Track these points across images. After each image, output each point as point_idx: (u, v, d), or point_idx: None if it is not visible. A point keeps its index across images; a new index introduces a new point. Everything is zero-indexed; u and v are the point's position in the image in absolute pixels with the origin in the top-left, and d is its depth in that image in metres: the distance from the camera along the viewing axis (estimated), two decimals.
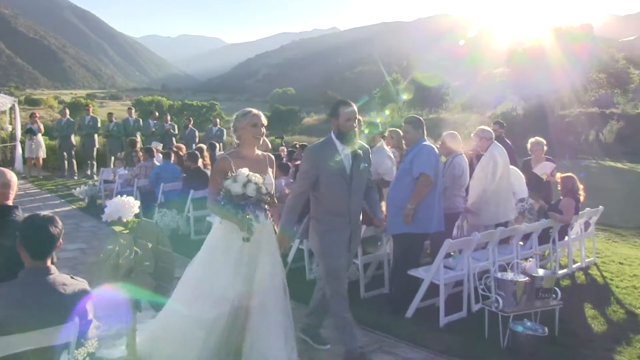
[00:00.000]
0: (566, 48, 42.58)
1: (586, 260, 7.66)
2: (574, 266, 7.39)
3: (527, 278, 4.91)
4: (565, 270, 7.16)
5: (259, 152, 4.17)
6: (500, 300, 4.78)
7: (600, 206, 7.97)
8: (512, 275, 4.95)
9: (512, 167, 7.29)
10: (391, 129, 8.20)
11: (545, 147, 8.13)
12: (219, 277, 3.88)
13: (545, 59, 42.68)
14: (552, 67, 41.27)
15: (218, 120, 18.35)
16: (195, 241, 8.48)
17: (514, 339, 4.68)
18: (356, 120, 4.37)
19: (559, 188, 7.29)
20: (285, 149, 13.40)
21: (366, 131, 6.98)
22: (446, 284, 5.45)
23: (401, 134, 7.42)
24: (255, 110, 4.13)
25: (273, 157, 4.36)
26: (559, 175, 7.39)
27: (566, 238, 7.23)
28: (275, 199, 4.14)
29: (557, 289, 5.09)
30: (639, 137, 37.55)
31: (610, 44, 55.59)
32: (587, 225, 7.89)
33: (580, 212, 7.31)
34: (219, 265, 3.95)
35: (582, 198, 7.28)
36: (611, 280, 7.01)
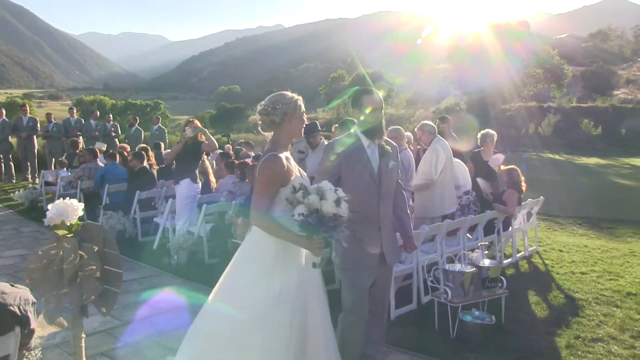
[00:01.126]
0: (505, 44, 43.82)
1: (529, 249, 7.93)
2: (518, 255, 7.64)
3: (474, 269, 5.03)
4: (510, 260, 7.39)
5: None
6: (449, 292, 4.87)
7: (541, 197, 8.28)
8: (460, 266, 5.07)
9: (457, 160, 7.46)
10: (336, 125, 8.23)
11: (494, 140, 8.34)
12: (275, 339, 3.03)
13: (485, 55, 43.78)
14: (492, 62, 42.41)
15: (159, 119, 18.03)
16: (142, 243, 8.31)
17: (463, 329, 4.79)
18: (382, 111, 3.79)
19: (503, 180, 7.52)
20: (232, 147, 13.27)
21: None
22: (396, 277, 5.52)
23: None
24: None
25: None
26: (502, 167, 7.61)
27: (510, 228, 7.46)
28: None
29: (502, 278, 5.24)
30: (575, 130, 39.16)
31: (545, 40, 57.46)
32: (529, 215, 8.16)
33: (522, 203, 7.56)
34: (274, 314, 3.05)
35: (523, 189, 7.53)
36: (552, 267, 7.28)
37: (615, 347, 4.64)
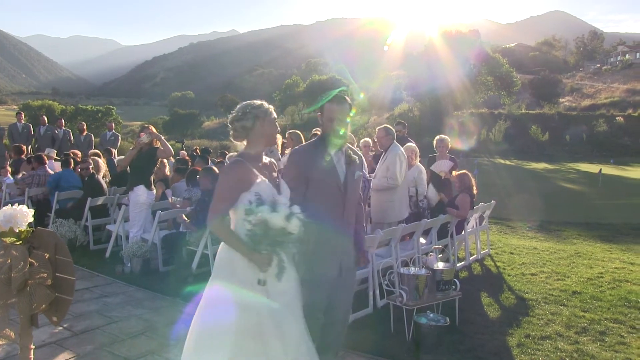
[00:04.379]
0: (456, 52, 44.85)
1: (481, 252, 8.14)
2: (471, 258, 7.82)
3: (428, 272, 5.13)
4: (463, 263, 7.57)
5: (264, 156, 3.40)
6: (404, 295, 4.94)
7: (493, 200, 8.51)
8: (414, 270, 5.15)
9: (418, 164, 7.65)
10: (291, 130, 8.25)
11: (449, 145, 8.51)
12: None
13: (437, 62, 44.69)
14: (444, 69, 43.32)
15: (113, 124, 17.67)
16: (94, 251, 8.11)
17: (418, 331, 4.86)
18: (345, 122, 3.57)
19: (455, 185, 7.68)
20: (186, 153, 13.12)
21: None
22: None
23: (301, 136, 7.59)
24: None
25: (275, 161, 3.49)
26: (454, 173, 7.77)
27: (463, 232, 7.63)
28: None
29: (456, 280, 5.36)
30: (524, 135, 40.31)
31: (495, 49, 59.18)
32: (481, 219, 8.37)
33: (475, 207, 7.74)
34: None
35: (475, 193, 7.71)
36: (503, 269, 7.48)
37: (562, 344, 4.81)
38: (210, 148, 20.61)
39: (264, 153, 3.33)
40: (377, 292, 5.76)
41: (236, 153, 3.40)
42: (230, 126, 3.29)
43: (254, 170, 3.13)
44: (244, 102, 3.32)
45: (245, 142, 3.28)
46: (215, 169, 7.19)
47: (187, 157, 11.35)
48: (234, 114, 3.27)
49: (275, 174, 3.33)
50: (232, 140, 3.32)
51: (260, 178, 3.11)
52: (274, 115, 3.29)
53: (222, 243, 3.16)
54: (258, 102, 3.28)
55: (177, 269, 6.85)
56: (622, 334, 5.08)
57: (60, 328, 4.84)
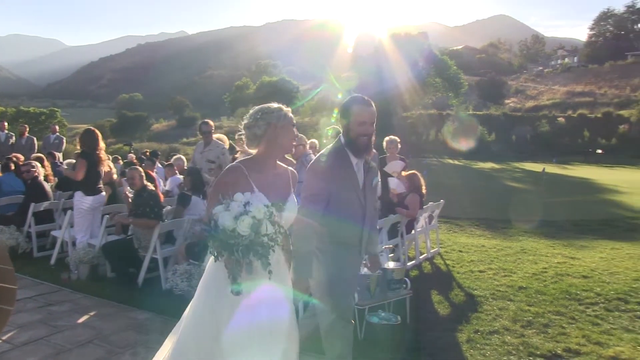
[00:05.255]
0: (405, 54, 45.50)
1: (431, 250, 8.30)
2: (421, 257, 7.96)
3: (379, 271, 5.18)
4: (413, 262, 7.68)
5: (280, 163, 3.14)
6: (356, 295, 4.98)
7: (442, 200, 8.69)
8: (366, 270, 5.20)
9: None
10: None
11: (399, 146, 8.62)
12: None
13: (387, 64, 45.21)
14: (393, 71, 43.86)
15: (57, 127, 17.15)
16: (39, 259, 7.82)
17: (370, 330, 4.91)
18: (373, 125, 3.43)
19: (405, 185, 7.79)
20: (134, 156, 12.86)
21: None
22: None
23: None
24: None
25: (296, 173, 3.20)
26: (404, 173, 7.88)
27: (413, 231, 7.75)
28: (289, 241, 3.14)
29: (406, 279, 5.44)
30: (471, 136, 41.29)
31: (442, 51, 60.37)
32: (430, 218, 8.52)
33: (424, 207, 7.88)
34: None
35: (424, 193, 7.85)
36: (453, 267, 7.65)
37: (509, 337, 4.95)
38: (159, 151, 20.30)
39: (240, 154, 3.12)
40: None
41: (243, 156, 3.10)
42: (242, 132, 3.07)
43: (251, 180, 2.86)
44: (257, 106, 3.08)
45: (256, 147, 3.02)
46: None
47: (135, 160, 11.13)
48: (245, 120, 3.05)
49: (287, 185, 3.06)
50: (246, 147, 3.06)
51: (255, 191, 2.80)
52: (290, 120, 3.02)
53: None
54: (273, 106, 3.03)
55: (125, 275, 6.72)
56: (563, 324, 5.29)
57: (0, 341, 4.65)
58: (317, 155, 3.63)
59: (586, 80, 76.69)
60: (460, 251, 8.70)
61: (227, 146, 8.48)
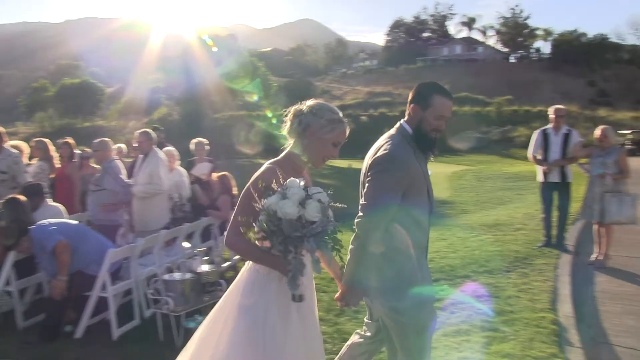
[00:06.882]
0: (214, 55, 45.34)
1: None
2: (235, 257, 8.00)
3: (194, 275, 5.15)
4: (229, 263, 7.72)
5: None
6: (171, 301, 4.90)
7: None
8: (179, 275, 5.14)
9: (179, 168, 7.62)
10: (37, 139, 7.57)
11: (206, 148, 8.58)
12: None
13: (195, 65, 44.65)
14: (202, 72, 43.48)
15: None
16: None
17: (188, 336, 4.85)
18: (447, 120, 3.02)
19: (216, 187, 7.81)
20: None
21: None
22: (115, 295, 5.33)
23: (47, 144, 7.11)
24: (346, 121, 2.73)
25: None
26: (214, 175, 7.91)
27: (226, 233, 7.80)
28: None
29: (221, 280, 5.47)
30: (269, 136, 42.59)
31: (252, 53, 61.21)
32: None
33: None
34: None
35: (235, 194, 7.95)
36: None
37: (324, 327, 5.21)
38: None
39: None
40: (143, 302, 5.62)
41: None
42: (290, 113, 2.77)
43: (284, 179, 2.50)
44: (319, 102, 2.77)
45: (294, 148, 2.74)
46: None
47: None
48: (302, 106, 2.74)
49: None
50: (286, 133, 2.78)
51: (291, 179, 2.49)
52: (334, 137, 2.69)
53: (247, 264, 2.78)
54: (329, 111, 2.72)
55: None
56: None
57: None
58: (375, 147, 3.09)
59: (385, 81, 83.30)
60: None
61: (24, 153, 7.69)
